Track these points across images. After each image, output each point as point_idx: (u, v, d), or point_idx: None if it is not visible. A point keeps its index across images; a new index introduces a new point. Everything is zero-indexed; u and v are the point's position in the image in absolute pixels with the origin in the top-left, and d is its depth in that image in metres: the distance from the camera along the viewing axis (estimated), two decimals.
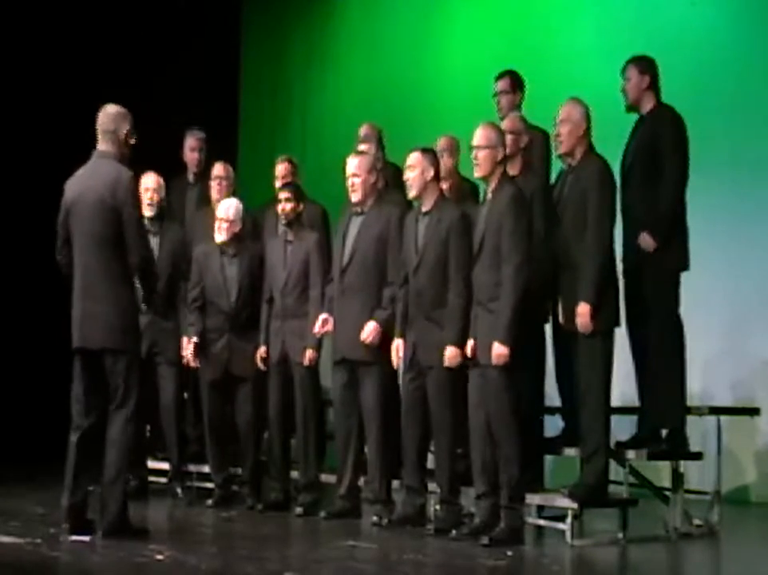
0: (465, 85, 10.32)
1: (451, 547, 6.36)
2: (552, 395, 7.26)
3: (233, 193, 8.53)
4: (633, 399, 7.14)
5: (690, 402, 7.07)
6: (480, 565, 5.93)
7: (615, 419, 6.76)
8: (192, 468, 8.52)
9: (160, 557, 5.88)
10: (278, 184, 8.26)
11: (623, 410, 7.35)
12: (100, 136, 6.39)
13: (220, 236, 7.96)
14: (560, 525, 6.65)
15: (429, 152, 6.99)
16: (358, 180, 7.30)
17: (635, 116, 7.05)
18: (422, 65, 11.04)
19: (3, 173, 10.76)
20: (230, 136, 12.26)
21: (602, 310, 6.51)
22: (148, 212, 8.24)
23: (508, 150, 6.76)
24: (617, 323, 6.70)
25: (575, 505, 6.53)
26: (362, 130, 8.30)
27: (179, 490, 8.35)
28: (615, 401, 6.84)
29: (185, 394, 8.51)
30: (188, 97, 11.49)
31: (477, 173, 6.60)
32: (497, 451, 6.41)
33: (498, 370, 6.33)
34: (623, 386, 7.18)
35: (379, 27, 11.55)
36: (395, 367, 7.08)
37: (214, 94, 12.04)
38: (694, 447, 6.96)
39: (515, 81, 7.70)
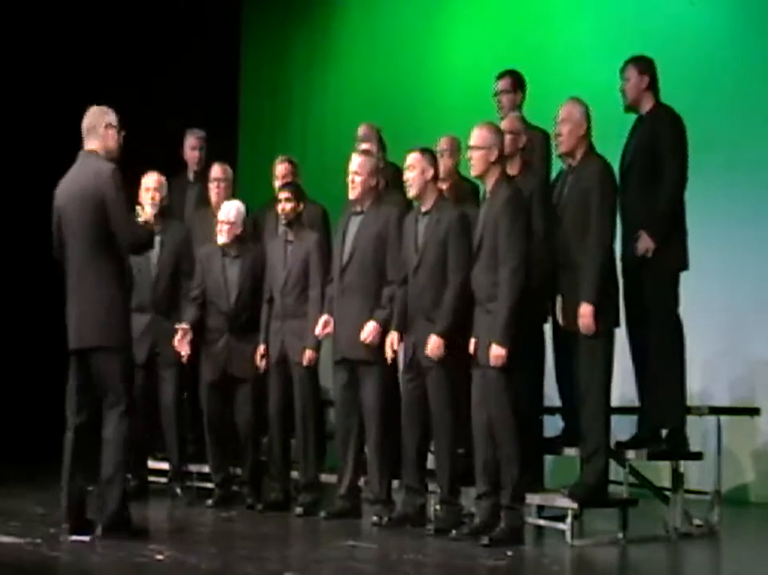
0: (465, 84, 10.32)
1: (451, 547, 6.36)
2: (552, 395, 7.26)
3: (232, 194, 8.53)
4: (633, 399, 7.14)
5: (690, 402, 7.07)
6: (480, 565, 5.93)
7: (615, 419, 6.76)
8: (192, 468, 8.51)
9: (160, 557, 5.88)
10: (278, 183, 8.26)
11: (623, 410, 7.35)
12: (84, 137, 6.43)
13: (222, 238, 7.96)
14: (560, 525, 6.65)
15: (428, 153, 7.01)
16: (358, 179, 7.31)
17: (634, 116, 7.05)
18: (423, 66, 11.04)
19: (1, 174, 10.76)
20: (230, 136, 12.27)
21: (603, 310, 6.51)
22: (149, 211, 8.24)
23: (507, 150, 6.77)
24: (617, 323, 6.70)
25: (575, 505, 6.54)
26: (361, 130, 8.31)
27: (178, 490, 8.35)
28: (615, 401, 6.84)
29: (184, 395, 8.51)
30: (188, 97, 11.49)
31: (472, 173, 6.65)
32: (498, 451, 6.41)
33: (497, 371, 6.33)
34: (623, 386, 7.18)
35: (380, 27, 11.55)
36: (389, 361, 7.06)
37: (214, 94, 12.04)
38: (694, 447, 6.96)
39: (516, 81, 7.70)
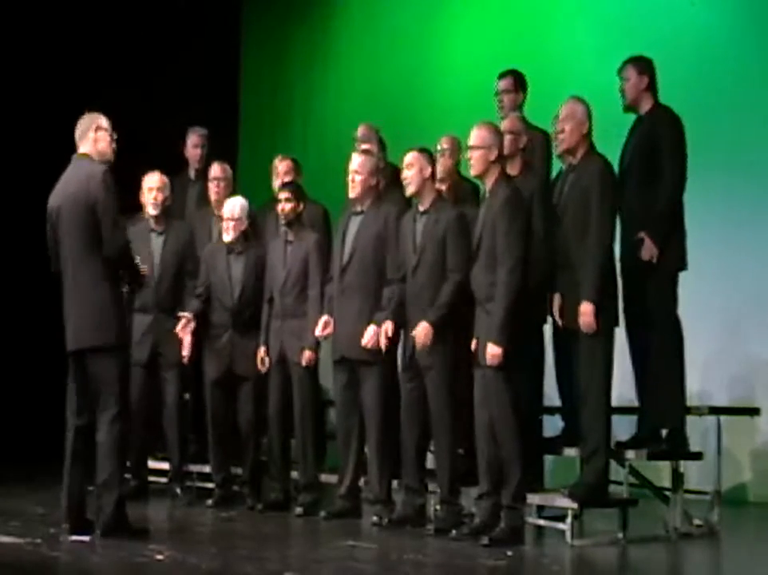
0: (466, 84, 10.32)
1: (451, 547, 6.36)
2: (552, 395, 7.26)
3: (232, 193, 8.53)
4: (633, 399, 7.14)
5: (689, 402, 7.07)
6: (480, 565, 5.93)
7: (615, 419, 6.76)
8: (193, 468, 8.52)
9: (160, 557, 5.88)
10: (279, 181, 8.26)
11: (623, 410, 7.35)
12: (77, 143, 6.45)
13: (228, 236, 7.95)
14: (560, 525, 6.65)
15: (427, 152, 7.04)
16: (359, 178, 7.32)
17: (634, 116, 7.05)
18: (424, 66, 11.04)
19: (3, 176, 10.76)
20: (230, 136, 12.26)
21: (603, 309, 6.51)
22: (152, 210, 8.26)
23: (507, 150, 6.78)
24: (617, 323, 6.70)
25: (575, 505, 6.54)
26: (360, 130, 8.30)
27: (178, 490, 8.35)
28: (615, 401, 6.84)
29: (186, 395, 8.51)
30: (188, 97, 11.49)
31: (472, 173, 6.65)
32: (499, 451, 6.41)
33: (494, 371, 6.34)
34: (623, 386, 7.18)
35: (380, 27, 11.54)
36: (382, 347, 7.05)
37: (214, 94, 12.04)
38: (694, 447, 6.96)
39: (517, 81, 7.70)
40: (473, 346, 6.52)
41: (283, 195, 7.81)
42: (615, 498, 6.76)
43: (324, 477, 7.75)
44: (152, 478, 8.50)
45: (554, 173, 7.28)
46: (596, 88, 7.59)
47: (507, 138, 6.86)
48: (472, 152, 6.56)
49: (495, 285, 6.38)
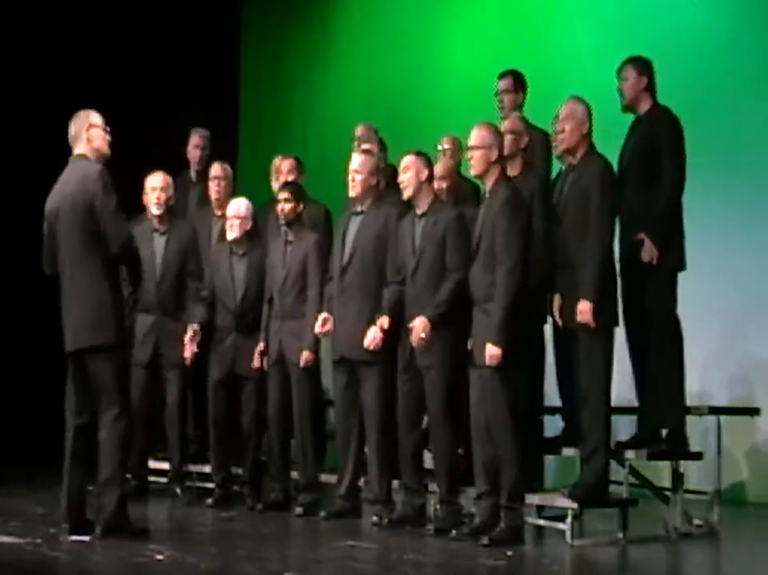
0: (466, 84, 10.32)
1: (451, 547, 6.36)
2: (552, 395, 7.26)
3: (233, 193, 8.53)
4: (633, 399, 7.13)
5: (689, 402, 7.06)
6: (480, 565, 5.93)
7: (615, 419, 6.76)
8: (193, 468, 8.52)
9: (160, 557, 5.88)
10: (281, 179, 8.26)
11: (623, 410, 7.35)
12: (72, 145, 6.45)
13: (232, 233, 7.95)
14: (560, 525, 6.65)
15: (423, 155, 7.05)
16: (359, 177, 7.32)
17: (633, 116, 7.05)
18: (424, 66, 11.04)
19: (2, 177, 10.76)
20: (230, 136, 12.27)
21: (603, 309, 6.51)
22: (155, 210, 8.26)
23: (508, 150, 6.79)
24: (617, 323, 6.70)
25: (575, 505, 6.53)
26: (359, 130, 8.31)
27: (178, 490, 8.35)
28: (615, 401, 6.84)
29: (188, 395, 8.51)
30: (188, 97, 11.49)
31: (472, 173, 6.65)
32: (496, 451, 6.41)
33: (492, 371, 6.34)
34: (623, 386, 7.18)
35: (380, 27, 11.55)
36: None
37: (214, 94, 12.05)
38: (694, 447, 6.96)
39: (517, 81, 7.71)
40: (470, 346, 6.52)
41: (282, 195, 7.81)
42: (615, 498, 6.76)
43: (324, 477, 7.75)
44: (152, 478, 8.50)
45: (554, 173, 7.28)
46: (596, 88, 7.59)
47: (508, 138, 6.87)
48: (472, 152, 6.56)
49: (494, 285, 6.38)
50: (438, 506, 7.00)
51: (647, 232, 6.76)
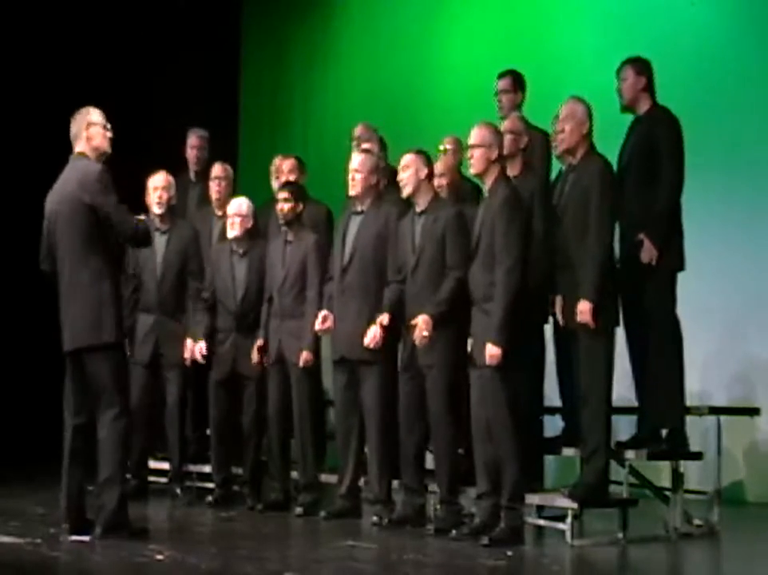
0: (466, 84, 10.32)
1: (451, 547, 6.36)
2: (552, 395, 7.26)
3: (233, 193, 8.53)
4: (633, 399, 7.13)
5: (689, 402, 7.06)
6: (480, 565, 5.93)
7: (615, 419, 6.76)
8: (192, 468, 8.52)
9: (160, 557, 5.89)
10: (282, 179, 8.25)
11: (623, 410, 7.35)
12: (72, 144, 6.46)
13: (233, 232, 7.94)
14: (560, 525, 6.65)
15: (423, 154, 7.05)
16: (359, 176, 7.32)
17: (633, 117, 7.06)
18: (424, 66, 11.04)
19: (2, 176, 10.76)
20: (230, 136, 12.26)
21: (603, 310, 6.51)
22: (157, 210, 8.26)
23: (507, 150, 6.79)
24: (617, 323, 6.70)
25: (575, 505, 6.53)
26: (359, 130, 8.31)
27: (178, 490, 8.35)
28: (615, 401, 6.83)
29: (188, 395, 8.51)
30: (189, 97, 11.49)
31: (471, 172, 6.66)
32: (496, 451, 6.41)
33: (492, 371, 6.34)
34: (623, 386, 7.18)
35: (380, 27, 11.54)
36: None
37: (214, 94, 12.04)
38: (694, 447, 6.96)
39: (516, 81, 7.71)
40: (469, 346, 6.53)
41: (281, 195, 7.81)
42: (615, 498, 6.76)
43: (324, 477, 7.75)
44: (152, 478, 8.50)
45: (554, 173, 7.28)
46: (596, 88, 7.58)
47: (507, 138, 6.87)
48: (472, 151, 6.56)
49: (493, 285, 6.38)
50: (438, 506, 7.00)
51: (647, 233, 6.76)
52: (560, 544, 6.52)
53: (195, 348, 7.96)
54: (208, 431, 8.22)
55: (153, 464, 8.58)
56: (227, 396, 7.99)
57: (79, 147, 6.43)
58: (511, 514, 6.40)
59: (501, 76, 7.75)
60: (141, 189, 8.43)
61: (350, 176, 7.36)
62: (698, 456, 7.00)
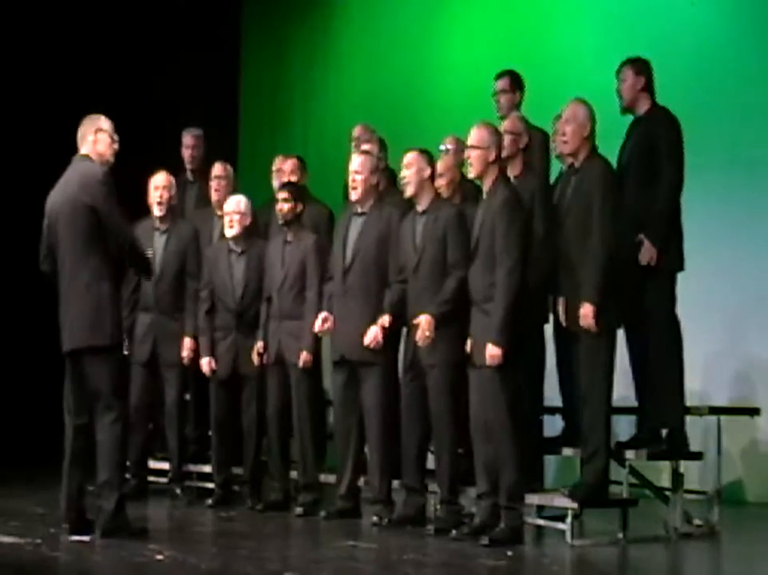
0: (465, 84, 10.31)
1: (451, 547, 6.37)
2: (552, 395, 7.26)
3: (233, 192, 8.52)
4: (633, 399, 7.13)
5: (689, 402, 7.06)
6: (480, 565, 5.93)
7: (615, 419, 6.76)
8: (192, 468, 8.51)
9: (160, 557, 5.89)
10: (283, 179, 8.24)
11: (623, 410, 7.35)
12: (78, 145, 6.48)
13: (231, 231, 7.93)
14: (560, 525, 6.65)
15: (426, 153, 7.04)
16: (359, 178, 7.31)
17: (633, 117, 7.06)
18: (424, 66, 11.04)
19: (2, 176, 10.76)
20: (230, 136, 12.26)
21: (605, 310, 6.50)
22: (157, 209, 8.26)
23: (507, 150, 6.78)
24: (619, 324, 6.70)
25: (575, 505, 6.53)
26: (358, 131, 8.30)
27: (178, 491, 8.35)
28: (615, 401, 6.83)
29: (187, 395, 8.51)
30: (188, 97, 11.49)
31: (470, 173, 6.65)
32: (496, 451, 6.41)
33: (492, 371, 6.33)
34: (623, 386, 7.18)
35: (380, 27, 11.54)
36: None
37: (214, 94, 12.04)
38: (694, 447, 6.96)
39: (514, 81, 7.70)
40: (468, 346, 6.53)
41: (281, 195, 7.81)
42: (615, 498, 6.76)
43: (324, 477, 7.75)
44: (152, 478, 8.50)
45: (554, 173, 7.27)
46: (596, 88, 7.58)
47: (507, 138, 6.86)
48: (470, 152, 6.55)
49: (493, 286, 6.37)
50: (439, 506, 7.00)
51: (646, 233, 6.76)
52: (560, 544, 6.52)
53: (204, 361, 7.95)
54: (209, 431, 8.23)
55: (153, 464, 8.58)
56: (228, 396, 7.99)
57: (84, 149, 6.44)
58: (511, 514, 6.40)
59: (499, 76, 7.75)
60: (141, 189, 8.43)
61: (350, 178, 7.35)
62: (698, 456, 7.00)
